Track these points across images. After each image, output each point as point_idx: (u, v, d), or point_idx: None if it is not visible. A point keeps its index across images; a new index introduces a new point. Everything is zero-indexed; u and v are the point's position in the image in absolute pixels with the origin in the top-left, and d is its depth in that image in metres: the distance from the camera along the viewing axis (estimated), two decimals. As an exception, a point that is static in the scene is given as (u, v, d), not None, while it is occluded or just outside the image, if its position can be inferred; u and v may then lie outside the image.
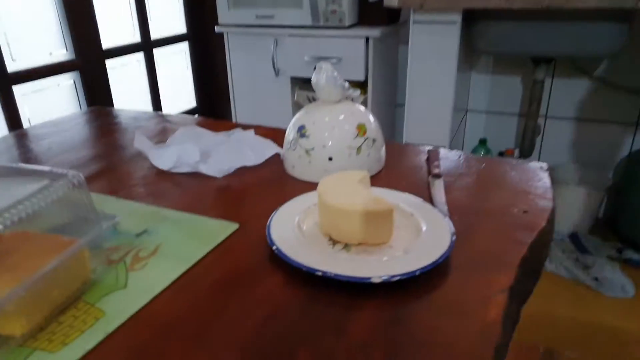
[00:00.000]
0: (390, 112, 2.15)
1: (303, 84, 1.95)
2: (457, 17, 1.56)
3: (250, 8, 1.90)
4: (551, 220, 0.63)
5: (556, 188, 1.82)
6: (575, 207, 1.82)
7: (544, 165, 0.76)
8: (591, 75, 1.87)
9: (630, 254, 1.69)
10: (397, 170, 0.75)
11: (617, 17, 1.47)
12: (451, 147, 1.82)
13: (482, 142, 2.06)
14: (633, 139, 1.88)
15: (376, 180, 0.71)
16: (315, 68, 0.74)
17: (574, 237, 1.77)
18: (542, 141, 2.03)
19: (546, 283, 1.62)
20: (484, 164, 0.77)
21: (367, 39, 1.75)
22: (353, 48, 1.77)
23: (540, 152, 2.05)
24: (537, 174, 0.73)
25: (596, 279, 1.59)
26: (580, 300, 1.54)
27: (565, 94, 1.92)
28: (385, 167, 0.76)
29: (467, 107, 2.12)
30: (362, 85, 1.83)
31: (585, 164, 1.95)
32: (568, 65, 1.88)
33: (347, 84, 0.73)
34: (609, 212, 1.93)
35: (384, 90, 1.98)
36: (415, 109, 1.72)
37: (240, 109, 2.10)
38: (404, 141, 1.78)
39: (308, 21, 1.82)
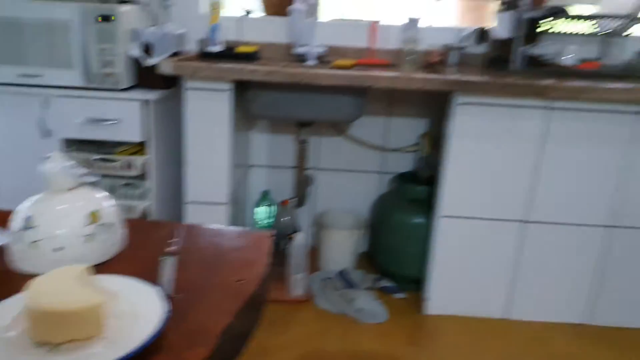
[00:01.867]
0: (178, 170, 2.19)
1: (80, 144, 1.87)
2: (228, 86, 1.72)
3: (11, 66, 1.77)
4: (264, 284, 0.75)
5: (325, 231, 2.10)
6: (342, 246, 2.11)
7: (269, 233, 0.90)
8: (346, 134, 2.22)
9: (385, 283, 2.03)
10: (138, 250, 0.81)
11: (357, 92, 1.80)
12: (236, 201, 1.94)
13: (265, 193, 2.24)
14: (380, 185, 2.29)
15: (112, 264, 0.75)
16: (48, 157, 0.75)
17: (342, 274, 2.05)
18: (315, 190, 2.31)
19: (319, 321, 1.83)
20: (216, 237, 0.88)
21: (146, 102, 1.78)
22: (130, 110, 1.78)
23: (314, 200, 2.32)
24: (263, 242, 0.86)
25: (359, 309, 1.86)
26: (348, 332, 1.78)
27: (329, 149, 2.25)
28: (128, 248, 0.80)
29: (250, 163, 2.29)
30: (141, 146, 1.84)
31: (349, 208, 2.29)
32: (328, 126, 2.21)
33: (81, 171, 0.77)
34: (369, 248, 2.28)
35: (168, 149, 2.02)
36: (195, 167, 1.80)
37: (4, 183, 1.88)
38: (189, 199, 1.84)
39: (80, 82, 1.77)
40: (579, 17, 1.88)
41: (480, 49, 2.03)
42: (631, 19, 1.83)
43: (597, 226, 1.78)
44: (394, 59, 2.06)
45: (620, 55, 2.01)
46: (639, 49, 1.94)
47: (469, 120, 1.68)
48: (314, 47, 1.96)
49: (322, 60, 1.99)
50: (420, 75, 1.65)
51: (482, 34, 1.99)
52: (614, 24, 1.86)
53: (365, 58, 2.07)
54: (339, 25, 2.15)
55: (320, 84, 1.66)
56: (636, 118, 1.67)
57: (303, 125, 2.05)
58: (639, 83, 1.66)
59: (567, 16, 1.88)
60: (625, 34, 1.89)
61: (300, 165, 2.13)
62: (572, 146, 1.70)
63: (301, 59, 1.98)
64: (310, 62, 1.94)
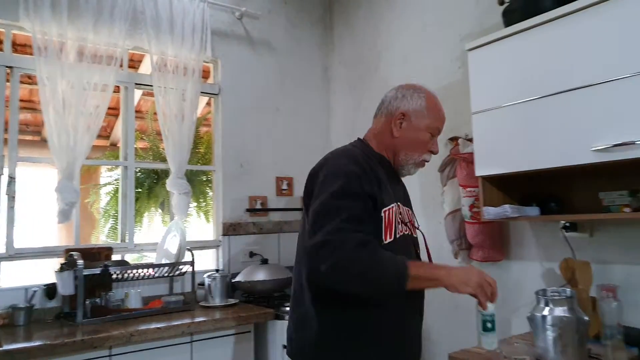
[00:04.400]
0: None
1: None
2: None
3: None
4: None
5: None
6: None
7: None
8: None
9: None
10: None
11: None
12: None
13: None
14: None
15: None
16: None
17: None
18: None
19: None
20: None
21: None
22: None
23: None
24: None
25: None
26: None
27: None
28: None
29: None
30: None
31: None
32: None
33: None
34: None
35: None
36: None
37: None
38: None
39: None
40: (137, 267, 2.24)
41: (52, 303, 2.10)
42: (176, 264, 2.31)
43: None
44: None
45: (183, 289, 2.45)
46: (200, 281, 2.42)
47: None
48: None
49: None
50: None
51: (50, 291, 2.08)
52: (168, 268, 2.30)
53: None
54: None
55: None
56: (193, 346, 2.00)
57: None
58: (191, 317, 2.06)
59: (131, 267, 2.22)
60: (178, 273, 2.35)
61: None
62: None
63: None
64: None
